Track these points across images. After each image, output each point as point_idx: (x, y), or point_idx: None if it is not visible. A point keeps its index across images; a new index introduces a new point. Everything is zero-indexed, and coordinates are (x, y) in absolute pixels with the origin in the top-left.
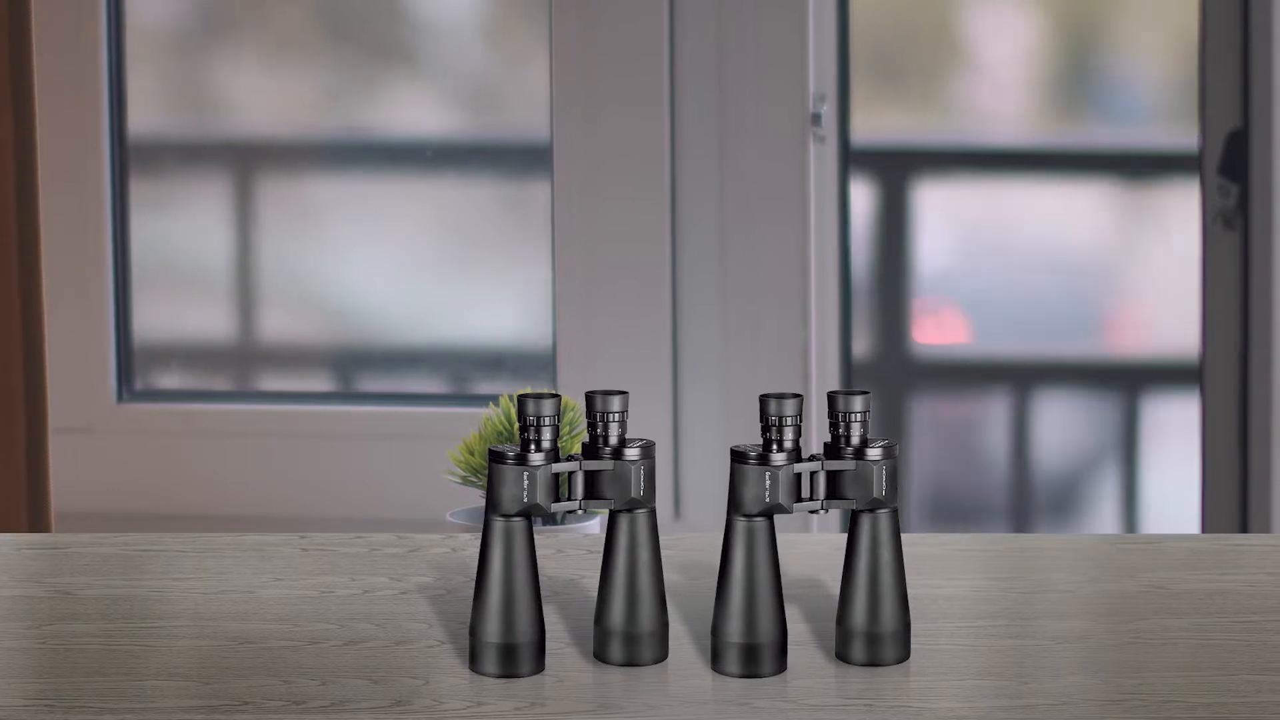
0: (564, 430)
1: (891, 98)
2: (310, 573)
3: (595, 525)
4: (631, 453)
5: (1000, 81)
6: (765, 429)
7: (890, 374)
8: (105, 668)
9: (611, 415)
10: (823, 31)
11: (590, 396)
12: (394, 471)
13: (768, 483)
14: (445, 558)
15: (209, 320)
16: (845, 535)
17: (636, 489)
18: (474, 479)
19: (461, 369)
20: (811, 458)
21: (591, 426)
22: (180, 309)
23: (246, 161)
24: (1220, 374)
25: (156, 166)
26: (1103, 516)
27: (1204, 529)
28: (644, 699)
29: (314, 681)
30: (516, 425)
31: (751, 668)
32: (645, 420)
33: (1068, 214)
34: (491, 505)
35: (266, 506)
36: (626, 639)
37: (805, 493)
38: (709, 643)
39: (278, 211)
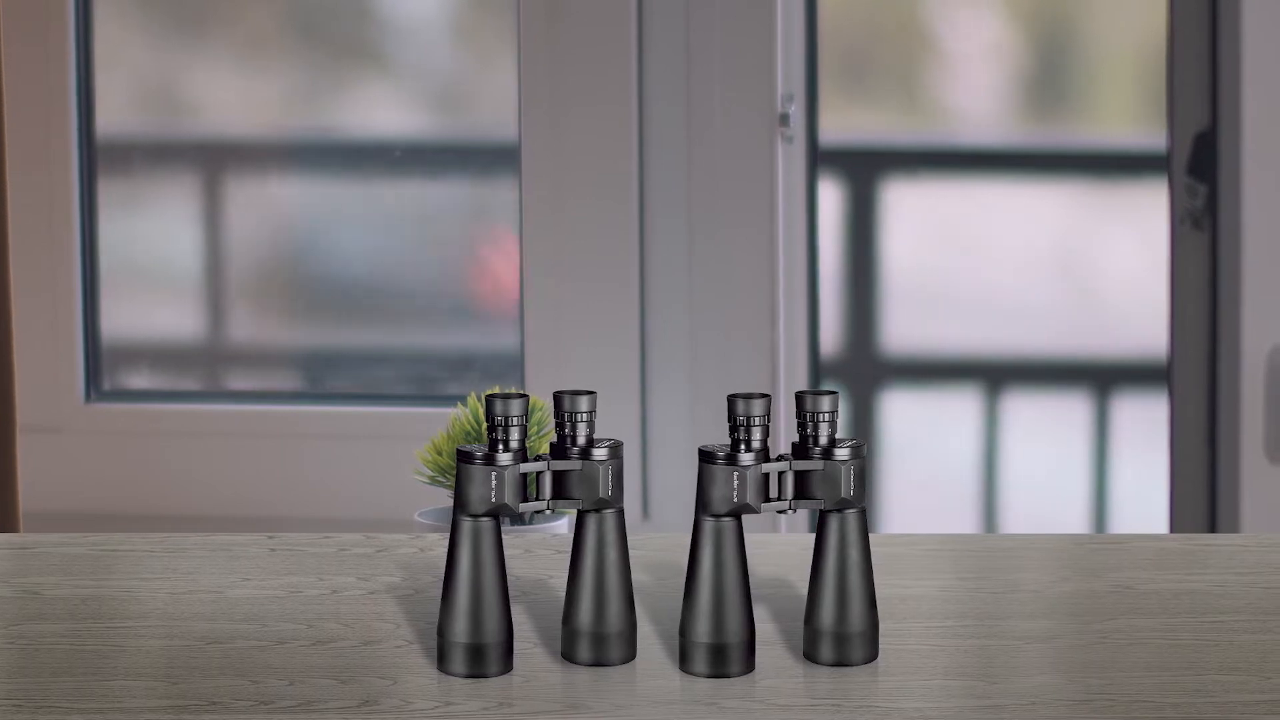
0: (532, 430)
1: (860, 98)
2: (278, 573)
3: (563, 525)
4: (599, 453)
5: (969, 81)
6: (733, 429)
7: (859, 373)
8: (73, 668)
9: (579, 415)
10: (791, 31)
11: (558, 396)
12: (362, 471)
13: (736, 483)
14: (413, 558)
15: (177, 320)
16: (813, 535)
17: (604, 489)
18: (442, 479)
19: (429, 369)
20: (780, 458)
21: (559, 426)
22: (149, 309)
23: (215, 161)
24: (1188, 374)
25: (125, 166)
26: (1071, 516)
27: (1172, 529)
28: (612, 699)
29: (282, 681)
30: (484, 425)
31: (719, 668)
32: (613, 420)
33: (1036, 213)
34: (459, 505)
35: (235, 506)
36: (594, 639)
37: (773, 493)
38: (677, 643)
39: (246, 211)
